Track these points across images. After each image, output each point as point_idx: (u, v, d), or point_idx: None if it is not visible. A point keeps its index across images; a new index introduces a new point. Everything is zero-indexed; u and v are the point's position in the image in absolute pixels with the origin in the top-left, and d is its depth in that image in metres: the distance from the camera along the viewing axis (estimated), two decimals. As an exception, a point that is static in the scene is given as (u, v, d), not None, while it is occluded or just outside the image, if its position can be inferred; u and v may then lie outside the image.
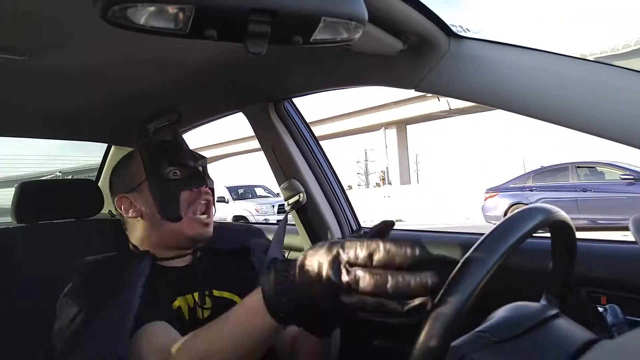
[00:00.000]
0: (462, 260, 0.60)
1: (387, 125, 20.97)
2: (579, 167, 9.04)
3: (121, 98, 1.46)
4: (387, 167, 22.12)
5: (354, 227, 1.65)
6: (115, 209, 1.09)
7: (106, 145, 2.10)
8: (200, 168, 1.11)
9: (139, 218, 1.06)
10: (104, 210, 1.68)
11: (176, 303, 0.97)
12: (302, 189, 1.54)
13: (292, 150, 1.57)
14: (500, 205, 9.54)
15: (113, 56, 1.12)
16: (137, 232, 1.08)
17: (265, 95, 1.52)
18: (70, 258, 1.03)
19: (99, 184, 1.94)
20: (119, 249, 1.13)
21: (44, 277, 1.29)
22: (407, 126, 21.58)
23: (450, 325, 0.54)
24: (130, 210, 1.06)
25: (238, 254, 1.14)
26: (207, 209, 1.08)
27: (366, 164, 36.46)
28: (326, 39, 0.59)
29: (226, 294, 1.04)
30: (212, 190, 1.11)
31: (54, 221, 1.50)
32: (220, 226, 1.17)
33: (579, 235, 0.75)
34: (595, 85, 0.74)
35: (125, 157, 1.13)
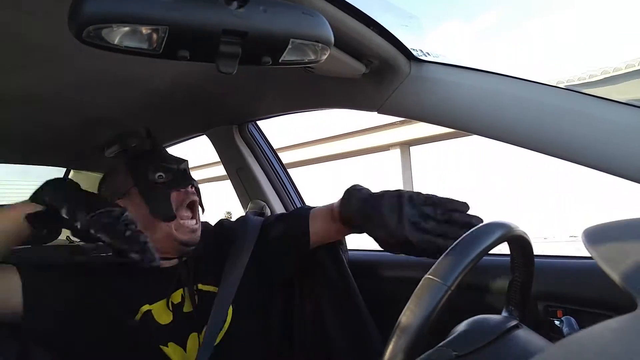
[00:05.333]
0: (424, 277, 0.62)
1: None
2: None
3: (82, 121, 1.43)
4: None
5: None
6: None
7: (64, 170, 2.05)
8: (184, 170, 1.14)
9: None
10: (62, 237, 1.63)
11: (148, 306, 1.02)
12: (268, 211, 1.54)
13: (256, 173, 1.57)
14: None
15: (74, 78, 1.11)
16: None
17: (229, 118, 1.53)
18: None
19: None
20: None
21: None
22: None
23: (414, 341, 0.56)
24: None
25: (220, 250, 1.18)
26: (194, 211, 1.11)
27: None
28: (294, 60, 0.60)
29: (211, 288, 1.10)
30: (198, 190, 1.14)
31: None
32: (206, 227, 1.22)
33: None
34: (551, 107, 0.77)
35: (110, 171, 1.18)
